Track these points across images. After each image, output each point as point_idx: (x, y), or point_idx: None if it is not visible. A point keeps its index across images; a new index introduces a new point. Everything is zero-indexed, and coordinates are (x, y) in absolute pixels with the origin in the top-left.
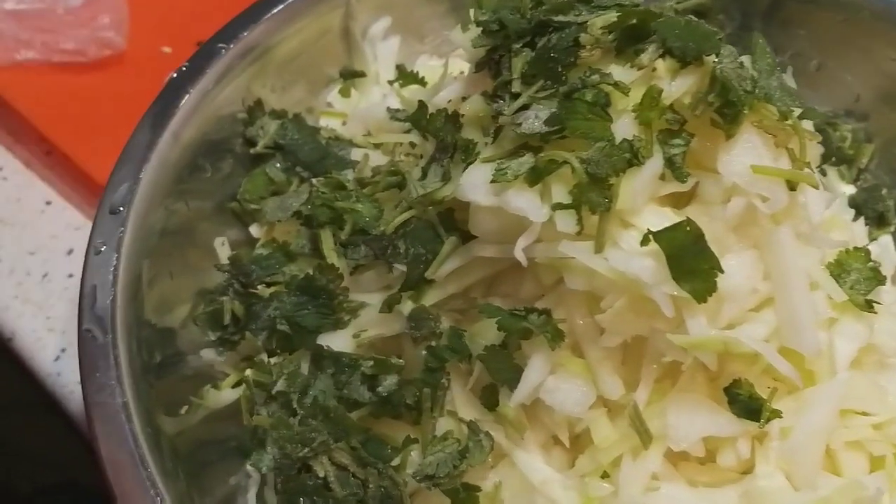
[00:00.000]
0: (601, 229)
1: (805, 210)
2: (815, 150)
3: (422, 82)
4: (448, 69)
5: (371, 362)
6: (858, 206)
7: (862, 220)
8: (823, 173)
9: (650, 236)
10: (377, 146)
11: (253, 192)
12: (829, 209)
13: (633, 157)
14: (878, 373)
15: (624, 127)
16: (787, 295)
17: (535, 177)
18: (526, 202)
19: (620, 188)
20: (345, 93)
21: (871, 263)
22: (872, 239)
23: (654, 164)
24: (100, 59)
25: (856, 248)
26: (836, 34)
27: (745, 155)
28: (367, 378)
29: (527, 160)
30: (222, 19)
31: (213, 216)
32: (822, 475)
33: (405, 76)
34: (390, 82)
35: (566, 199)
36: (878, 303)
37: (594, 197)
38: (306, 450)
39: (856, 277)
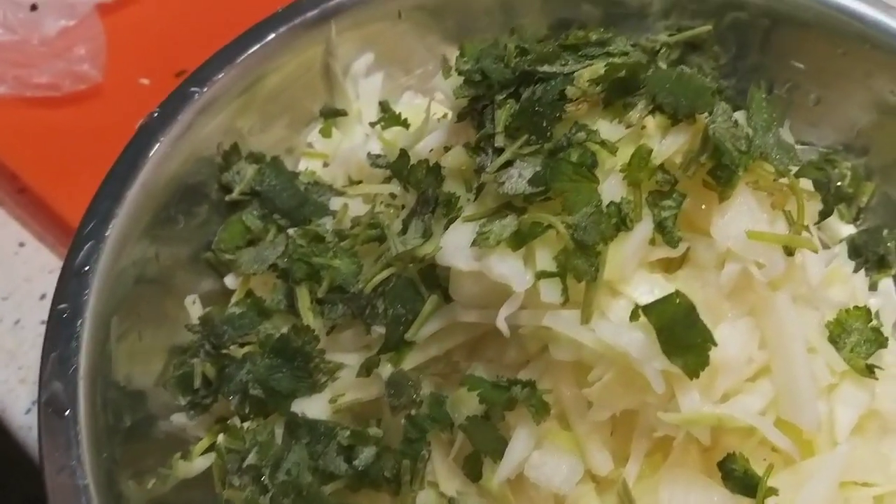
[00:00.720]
0: (588, 299)
1: (804, 272)
2: (813, 208)
3: (405, 124)
4: (431, 112)
5: (347, 432)
6: (858, 248)
7: (863, 272)
8: (829, 212)
9: (640, 310)
10: (350, 181)
11: (228, 241)
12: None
13: (621, 222)
14: (881, 440)
15: (612, 188)
16: (785, 365)
17: (519, 241)
18: (509, 269)
19: (608, 255)
20: (326, 133)
21: (872, 323)
22: (873, 283)
23: (644, 228)
24: (75, 93)
25: (856, 308)
26: (836, 66)
27: (740, 218)
28: (344, 449)
29: (510, 223)
30: (202, 48)
31: (187, 268)
32: None
33: (387, 118)
34: (372, 124)
35: (551, 266)
36: (880, 367)
37: (580, 265)
38: None
39: (856, 339)
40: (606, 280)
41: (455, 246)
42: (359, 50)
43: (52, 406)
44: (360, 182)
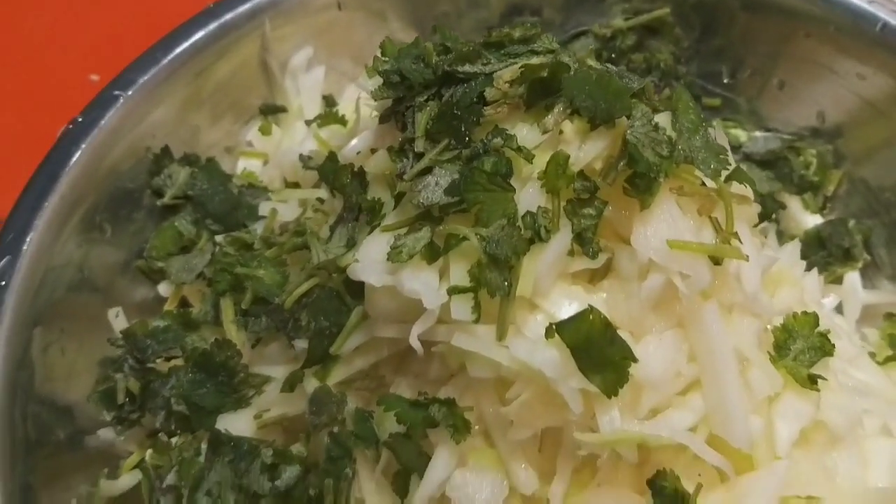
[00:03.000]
0: (502, 316)
1: (737, 280)
2: (750, 212)
3: (342, 122)
4: (363, 111)
5: (270, 451)
6: (823, 241)
7: (815, 272)
8: (783, 206)
9: (553, 328)
10: (286, 184)
11: (160, 248)
12: (776, 265)
13: (535, 233)
14: (827, 452)
15: (529, 197)
16: (715, 380)
17: (433, 254)
18: (421, 285)
19: (523, 269)
20: (265, 130)
21: (819, 329)
22: (838, 277)
23: (561, 240)
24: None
25: (804, 313)
26: (799, 50)
27: (662, 228)
28: (268, 468)
29: (423, 235)
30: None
31: (119, 277)
32: None
33: (327, 116)
34: (308, 122)
35: (465, 280)
36: (823, 378)
37: (494, 279)
38: None
39: (801, 346)
40: (522, 295)
41: (370, 260)
42: (297, 45)
43: None
44: (295, 183)
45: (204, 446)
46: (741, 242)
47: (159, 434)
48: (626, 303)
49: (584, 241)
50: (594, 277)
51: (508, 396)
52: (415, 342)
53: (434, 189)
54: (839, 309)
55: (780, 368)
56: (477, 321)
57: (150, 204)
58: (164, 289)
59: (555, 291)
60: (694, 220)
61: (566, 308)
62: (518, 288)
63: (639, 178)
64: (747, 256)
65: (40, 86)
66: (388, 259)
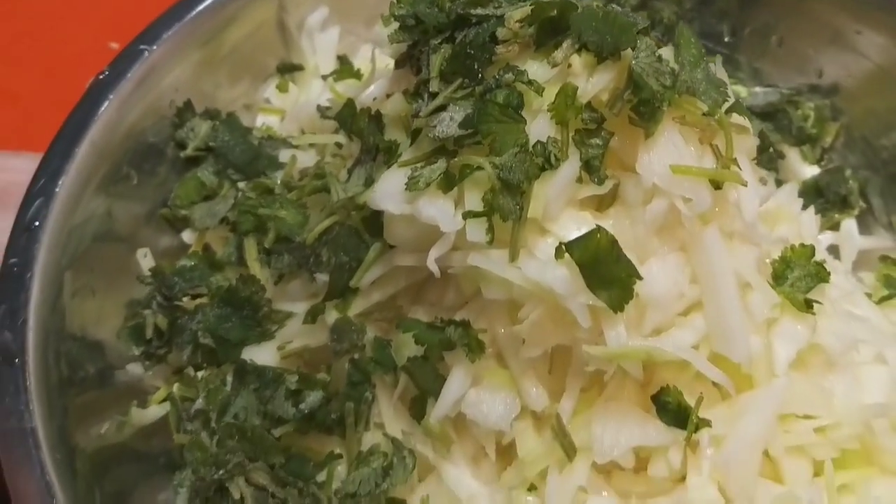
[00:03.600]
0: (514, 238)
1: (737, 208)
2: (749, 143)
3: (358, 76)
4: (379, 63)
5: (295, 377)
6: (821, 188)
7: (812, 209)
8: (782, 156)
9: (563, 248)
10: (311, 146)
11: (184, 197)
12: (776, 200)
13: (546, 160)
14: (824, 375)
15: (539, 128)
16: (716, 299)
17: (449, 183)
18: (437, 211)
19: (534, 194)
20: (283, 88)
21: (816, 259)
22: (835, 223)
23: (570, 167)
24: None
25: (801, 245)
26: (797, 7)
27: (666, 154)
28: (292, 394)
29: (440, 166)
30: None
31: (144, 224)
32: (762, 483)
33: (342, 70)
34: (324, 77)
35: (479, 206)
36: (818, 302)
37: (506, 203)
38: (221, 472)
39: (798, 274)
40: (533, 218)
41: (388, 190)
42: (313, 6)
43: (1, 355)
44: (313, 135)
45: (230, 377)
46: (740, 170)
47: (186, 369)
48: (631, 227)
49: (591, 169)
50: (601, 204)
51: (520, 316)
52: (432, 265)
53: (449, 124)
54: (836, 254)
55: (778, 295)
56: (491, 243)
57: (173, 156)
58: (187, 236)
59: (564, 216)
60: (695, 148)
61: (575, 232)
62: (529, 211)
63: (643, 105)
64: (746, 182)
65: (62, 53)
66: (406, 188)
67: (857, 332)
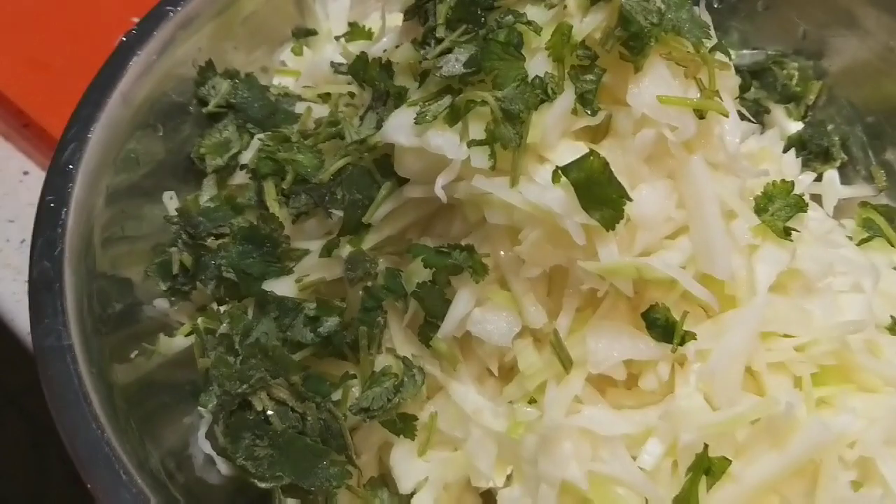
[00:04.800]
0: (515, 164)
1: (721, 140)
2: (731, 82)
3: (369, 36)
4: (388, 22)
5: (314, 304)
6: (805, 142)
7: (793, 151)
8: (767, 111)
9: (559, 171)
10: (321, 97)
11: (207, 148)
12: (759, 142)
13: (544, 93)
14: (804, 297)
15: (538, 65)
16: (701, 221)
17: (454, 116)
18: (444, 141)
19: (532, 123)
20: (297, 51)
21: (795, 193)
22: (819, 175)
23: (566, 99)
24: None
25: (782, 181)
26: None
27: (653, 86)
28: (310, 320)
29: (445, 102)
30: None
31: (167, 173)
32: (743, 395)
33: (355, 32)
34: (337, 38)
35: (482, 136)
36: (796, 230)
37: (507, 132)
38: (245, 386)
39: (778, 205)
40: (532, 146)
41: (398, 125)
42: None
43: (40, 281)
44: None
45: (251, 309)
46: (722, 101)
47: (209, 305)
48: (623, 156)
49: (585, 102)
50: (595, 136)
51: (520, 238)
52: (440, 192)
53: (454, 64)
54: (819, 203)
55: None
56: (493, 169)
57: (195, 111)
58: (209, 184)
59: (561, 146)
60: (681, 81)
61: (571, 159)
62: (528, 137)
63: (632, 40)
64: (728, 112)
65: (88, 26)
66: (415, 122)
67: (836, 261)
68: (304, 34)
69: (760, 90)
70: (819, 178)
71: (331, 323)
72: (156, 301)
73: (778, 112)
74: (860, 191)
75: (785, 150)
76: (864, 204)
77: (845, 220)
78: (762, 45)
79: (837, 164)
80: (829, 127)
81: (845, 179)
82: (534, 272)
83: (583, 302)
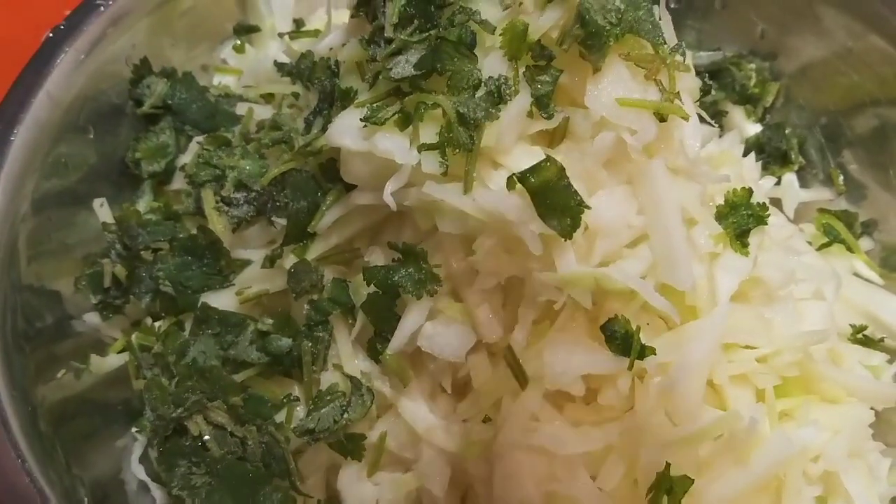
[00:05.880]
0: (468, 169)
1: (681, 144)
2: (691, 83)
3: (314, 34)
4: (335, 19)
5: (269, 319)
6: (762, 145)
7: (753, 155)
8: (725, 113)
9: (514, 177)
10: (264, 98)
11: (143, 152)
12: (719, 145)
13: (497, 95)
14: (765, 306)
15: (492, 65)
16: (661, 229)
17: (405, 120)
18: (393, 144)
19: (486, 127)
20: (239, 49)
21: (756, 202)
22: (777, 178)
23: (520, 101)
24: None
25: (742, 188)
26: None
27: (613, 87)
28: (260, 336)
29: (395, 106)
30: None
31: (100, 178)
32: (705, 409)
33: (298, 31)
34: (281, 35)
35: (434, 140)
36: (746, 242)
37: (461, 136)
38: (180, 410)
39: (741, 214)
40: (488, 151)
41: (345, 127)
42: None
43: None
44: (270, 94)
45: (188, 325)
46: (682, 104)
47: (144, 320)
48: (580, 160)
49: (541, 104)
50: (553, 141)
51: (474, 248)
52: (388, 199)
53: (405, 65)
54: (779, 207)
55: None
56: (445, 174)
57: (131, 112)
58: (146, 190)
59: (516, 150)
60: (641, 83)
61: (526, 165)
62: (482, 141)
63: (591, 39)
64: (688, 115)
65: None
66: (362, 123)
67: (797, 269)
68: (246, 31)
69: (719, 91)
70: (778, 182)
71: (284, 342)
72: (86, 315)
73: (736, 113)
74: (819, 194)
75: (744, 154)
76: (822, 210)
77: (804, 225)
78: (719, 45)
79: (796, 167)
80: (787, 130)
81: (803, 182)
82: (488, 283)
83: (539, 314)
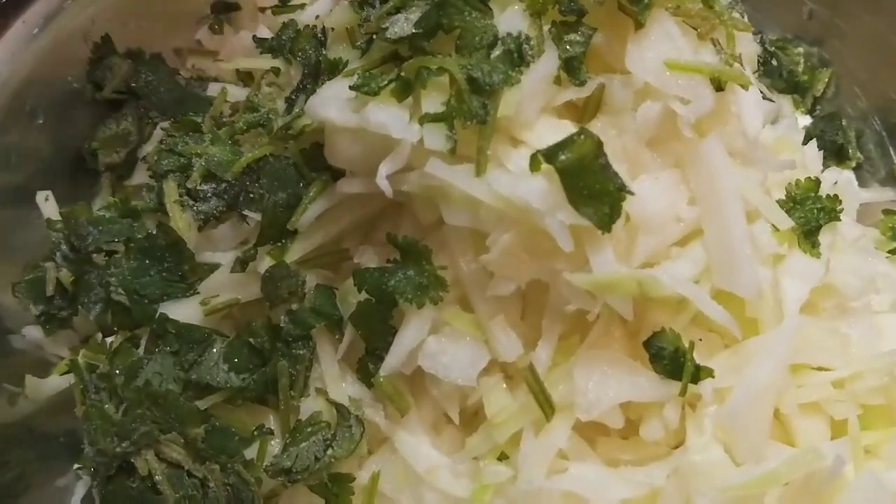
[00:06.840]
0: (481, 146)
1: (738, 120)
2: (750, 47)
3: (300, 7)
4: None
5: (248, 335)
6: (815, 138)
7: (814, 142)
8: (772, 100)
9: (539, 155)
10: (240, 77)
11: (100, 142)
12: (775, 131)
13: (518, 56)
14: (839, 319)
15: (510, 21)
16: (719, 224)
17: (404, 89)
18: (389, 117)
19: (504, 94)
20: (216, 29)
21: (823, 194)
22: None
23: (546, 64)
24: None
25: (807, 179)
26: None
27: (659, 47)
28: (233, 353)
29: (392, 71)
30: None
31: (52, 172)
32: (772, 445)
33: (282, 6)
34: (262, 9)
35: (439, 110)
36: (818, 243)
37: (473, 105)
38: (125, 444)
39: (809, 207)
40: (503, 123)
41: (329, 98)
42: None
43: None
44: (248, 74)
45: (143, 340)
46: (743, 69)
47: (94, 336)
48: (619, 138)
49: (571, 69)
50: (584, 115)
51: (488, 244)
52: (383, 182)
53: (404, 24)
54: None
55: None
56: (453, 152)
57: (90, 97)
58: (104, 184)
59: (540, 124)
60: (693, 43)
61: (553, 141)
62: (499, 110)
63: None
64: (749, 83)
65: None
66: (352, 91)
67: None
68: (224, 8)
69: (764, 77)
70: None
71: (257, 362)
72: (25, 329)
73: (784, 103)
74: (880, 195)
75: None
76: (888, 211)
77: (866, 227)
78: (762, 29)
79: (853, 164)
80: (843, 121)
81: (860, 181)
82: (505, 289)
83: (568, 327)
